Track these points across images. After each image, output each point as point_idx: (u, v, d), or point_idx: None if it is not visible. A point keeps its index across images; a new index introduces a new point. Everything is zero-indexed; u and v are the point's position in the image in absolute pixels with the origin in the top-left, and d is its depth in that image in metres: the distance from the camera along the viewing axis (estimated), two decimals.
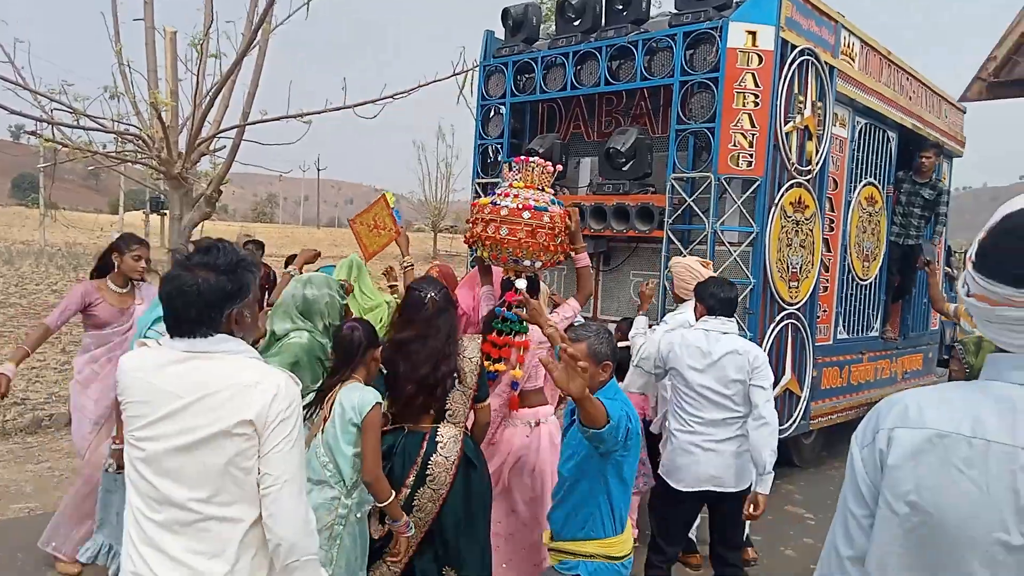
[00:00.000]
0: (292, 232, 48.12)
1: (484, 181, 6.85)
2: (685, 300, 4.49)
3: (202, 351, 1.85)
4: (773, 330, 5.59)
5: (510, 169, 3.88)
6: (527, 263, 3.77)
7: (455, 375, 3.15)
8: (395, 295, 3.99)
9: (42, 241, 31.07)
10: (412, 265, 4.13)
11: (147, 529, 1.83)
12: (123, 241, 4.14)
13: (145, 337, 3.45)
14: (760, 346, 5.37)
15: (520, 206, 3.66)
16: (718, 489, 3.53)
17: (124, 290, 4.13)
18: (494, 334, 3.65)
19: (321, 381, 3.07)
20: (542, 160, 3.90)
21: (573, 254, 3.96)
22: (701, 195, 5.42)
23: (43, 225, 29.84)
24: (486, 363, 3.52)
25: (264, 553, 1.86)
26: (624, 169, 5.75)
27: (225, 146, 6.99)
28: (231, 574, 1.80)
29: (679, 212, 5.51)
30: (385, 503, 2.80)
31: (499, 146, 6.75)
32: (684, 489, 3.58)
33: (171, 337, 1.87)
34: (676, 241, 5.51)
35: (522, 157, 3.97)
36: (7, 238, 33.32)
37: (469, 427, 3.27)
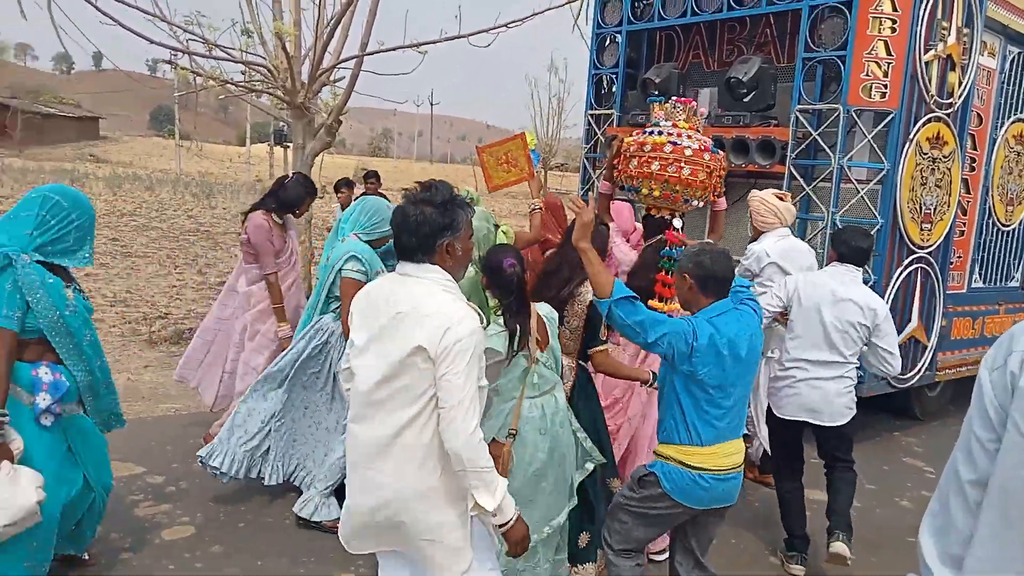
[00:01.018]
0: (407, 167, 49.09)
1: (597, 112, 6.75)
2: (764, 232, 4.56)
3: (409, 274, 2.19)
4: (900, 274, 5.32)
5: (661, 108, 3.89)
6: (694, 203, 3.86)
7: (564, 311, 3.25)
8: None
9: (178, 170, 33.12)
10: (540, 208, 4.16)
11: (351, 428, 2.25)
12: (313, 189, 4.46)
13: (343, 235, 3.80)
14: (886, 291, 5.17)
15: (701, 147, 3.72)
16: (814, 422, 3.68)
17: (281, 222, 4.40)
18: (663, 273, 3.66)
19: (487, 308, 3.17)
20: (693, 102, 3.95)
21: (714, 196, 3.97)
22: (828, 128, 5.15)
23: (181, 156, 31.76)
24: (658, 304, 3.55)
25: (434, 461, 2.15)
26: (746, 100, 5.52)
27: (344, 76, 7.18)
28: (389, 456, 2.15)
29: (803, 146, 5.26)
30: None
31: (614, 76, 6.61)
32: (784, 417, 3.77)
33: (399, 261, 2.23)
34: (798, 176, 5.29)
35: (682, 97, 4.01)
36: (147, 167, 35.71)
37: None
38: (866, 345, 3.70)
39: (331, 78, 7.07)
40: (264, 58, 6.89)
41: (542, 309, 3.05)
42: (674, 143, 3.69)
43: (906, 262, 5.39)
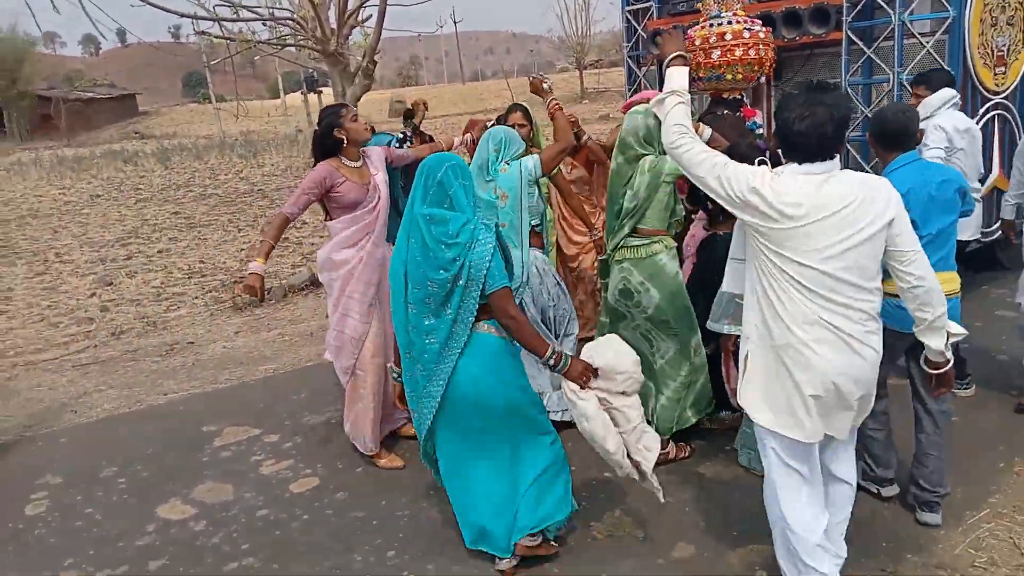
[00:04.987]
0: (439, 92, 48.36)
1: (635, 7, 6.49)
2: None
3: (826, 171, 2.32)
4: (977, 125, 5.06)
5: (710, 4, 4.23)
6: (761, 78, 4.33)
7: None
8: None
9: (220, 133, 33.45)
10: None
11: (820, 316, 2.34)
12: (332, 115, 3.77)
13: None
14: None
15: (763, 28, 4.20)
16: None
17: (359, 164, 3.81)
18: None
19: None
20: None
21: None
22: None
23: (220, 119, 31.98)
24: None
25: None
26: None
27: (372, 15, 7.09)
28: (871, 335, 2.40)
29: (859, 7, 4.98)
30: None
31: None
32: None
33: (807, 163, 2.33)
34: (857, 41, 5.03)
35: None
36: (190, 134, 36.17)
37: None
38: None
39: (359, 19, 6.98)
40: (291, 11, 6.84)
41: None
42: (749, 29, 4.06)
43: (981, 111, 5.13)
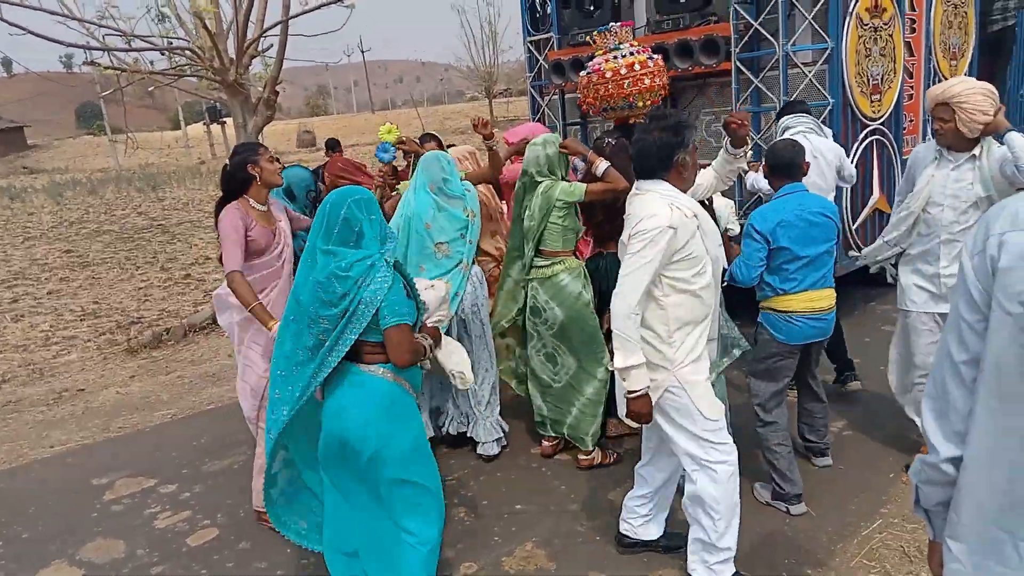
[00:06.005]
0: (349, 121, 47.94)
1: (536, 38, 6.60)
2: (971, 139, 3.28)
3: (641, 189, 2.67)
4: (857, 149, 5.35)
5: (611, 34, 4.42)
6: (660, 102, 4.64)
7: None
8: None
9: (117, 167, 32.06)
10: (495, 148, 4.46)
11: None
12: (248, 151, 3.49)
13: None
14: None
15: (657, 58, 4.47)
16: None
17: (265, 208, 3.50)
18: None
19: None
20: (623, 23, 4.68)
21: None
22: (768, 16, 5.09)
23: (117, 152, 30.64)
24: None
25: (682, 328, 2.63)
26: (682, 1, 5.42)
27: (273, 44, 6.94)
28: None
29: (746, 39, 5.21)
30: None
31: None
32: None
33: (638, 180, 2.70)
34: (746, 71, 5.24)
35: (616, 24, 4.66)
36: (85, 168, 34.54)
37: None
38: None
39: (259, 48, 6.83)
40: (187, 40, 6.62)
41: None
42: (650, 57, 4.31)
43: (860, 136, 5.42)
